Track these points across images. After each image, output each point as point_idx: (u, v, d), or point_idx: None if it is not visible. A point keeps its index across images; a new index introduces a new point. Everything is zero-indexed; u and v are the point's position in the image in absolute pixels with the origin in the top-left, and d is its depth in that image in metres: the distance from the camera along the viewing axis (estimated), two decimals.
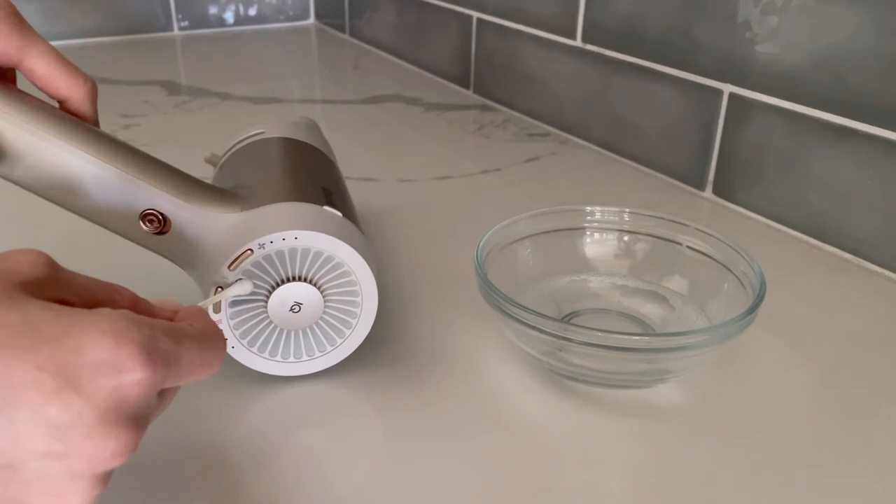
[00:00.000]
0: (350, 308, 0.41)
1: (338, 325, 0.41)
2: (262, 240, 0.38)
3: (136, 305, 0.29)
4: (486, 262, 0.45)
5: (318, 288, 0.39)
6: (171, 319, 0.30)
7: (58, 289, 0.26)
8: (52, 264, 0.27)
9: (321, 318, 0.41)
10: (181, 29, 1.29)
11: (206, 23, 1.31)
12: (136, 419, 0.24)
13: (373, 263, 0.41)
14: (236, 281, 0.38)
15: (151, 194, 0.39)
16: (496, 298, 0.41)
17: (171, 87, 0.99)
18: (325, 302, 0.40)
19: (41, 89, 0.38)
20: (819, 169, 0.58)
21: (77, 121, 0.38)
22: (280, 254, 0.39)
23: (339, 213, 0.41)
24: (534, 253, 0.50)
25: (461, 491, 0.36)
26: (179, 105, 0.92)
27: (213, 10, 1.31)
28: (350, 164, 0.73)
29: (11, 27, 0.35)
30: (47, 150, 0.37)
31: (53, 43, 1.26)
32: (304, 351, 0.42)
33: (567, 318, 0.47)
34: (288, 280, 0.39)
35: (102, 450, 0.23)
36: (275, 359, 0.41)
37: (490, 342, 0.47)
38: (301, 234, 0.38)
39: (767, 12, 0.59)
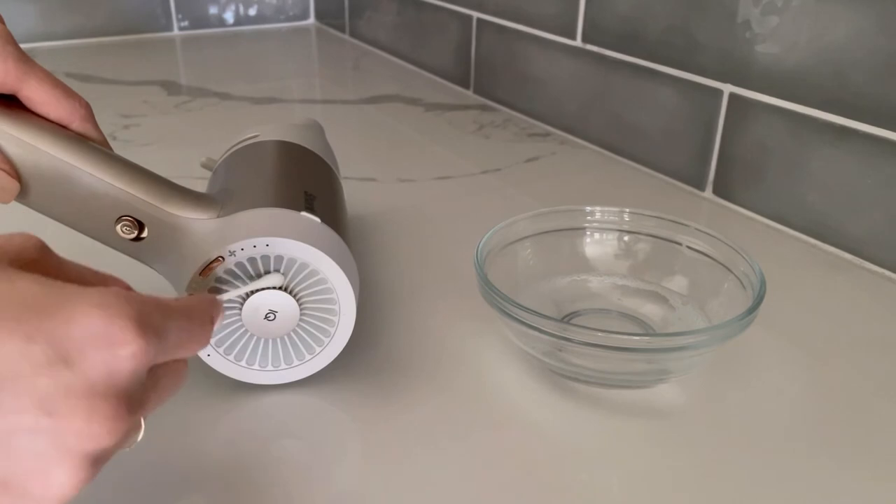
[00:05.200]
0: (327, 316, 0.40)
1: (316, 333, 0.40)
2: (232, 247, 0.37)
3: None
4: (486, 262, 0.45)
5: (294, 296, 0.39)
6: None
7: (48, 271, 0.25)
8: (44, 247, 0.26)
9: (298, 327, 0.40)
10: (181, 29, 1.29)
11: (206, 23, 1.31)
12: (129, 397, 0.24)
13: (350, 271, 0.40)
14: (267, 273, 0.38)
15: (127, 199, 0.38)
16: (496, 298, 0.41)
17: (171, 87, 0.99)
18: (301, 310, 0.39)
19: (41, 115, 0.37)
20: (819, 169, 0.58)
21: (50, 124, 0.37)
22: (252, 261, 0.38)
23: (317, 219, 0.40)
24: (534, 253, 0.50)
25: (460, 491, 0.36)
26: (179, 105, 0.92)
27: (213, 10, 1.31)
28: (350, 164, 0.73)
29: (8, 56, 0.35)
30: (20, 153, 0.36)
31: (53, 43, 1.26)
32: (282, 359, 0.41)
33: (567, 318, 0.47)
34: (261, 288, 0.38)
35: (92, 425, 0.23)
36: (252, 367, 0.41)
37: (490, 342, 0.47)
38: (273, 241, 0.37)
39: (767, 12, 0.59)
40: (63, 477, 0.23)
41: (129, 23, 1.25)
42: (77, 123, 0.38)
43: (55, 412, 0.22)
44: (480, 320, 0.48)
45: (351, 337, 0.41)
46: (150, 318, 0.24)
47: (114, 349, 0.23)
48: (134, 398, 0.24)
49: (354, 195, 0.67)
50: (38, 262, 0.26)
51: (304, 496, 0.36)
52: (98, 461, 0.24)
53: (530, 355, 0.44)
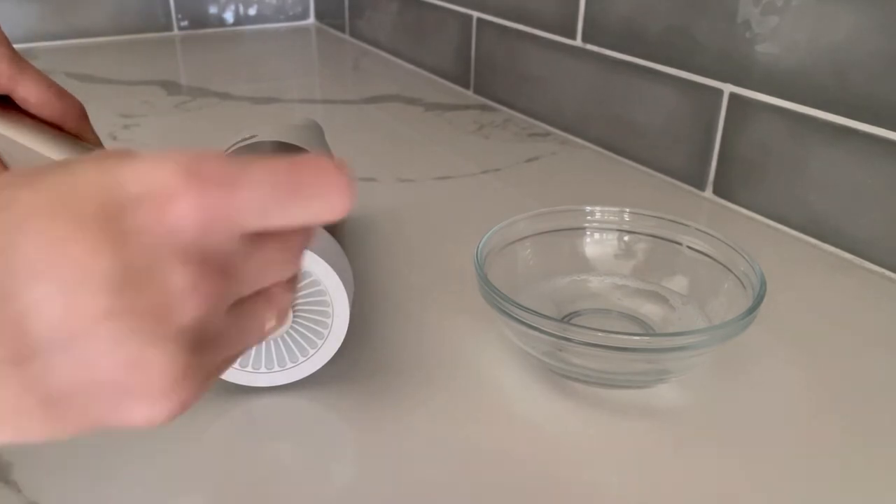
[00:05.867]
0: (320, 318, 0.40)
1: (309, 335, 0.40)
2: None
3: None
4: (486, 262, 0.45)
5: None
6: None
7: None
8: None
9: (291, 329, 0.40)
10: (181, 29, 1.29)
11: (206, 22, 1.31)
12: (203, 258, 0.20)
13: (343, 273, 0.40)
14: None
15: None
16: (496, 298, 0.41)
17: (171, 87, 0.99)
18: (293, 312, 0.39)
19: (36, 115, 0.37)
20: (819, 169, 0.58)
21: (43, 125, 0.37)
22: None
23: None
24: (534, 253, 0.50)
25: (459, 492, 0.36)
26: (179, 105, 0.92)
27: (212, 9, 1.31)
28: (350, 164, 0.72)
29: (2, 57, 0.35)
30: (13, 154, 0.36)
31: (54, 43, 1.26)
32: (275, 362, 0.41)
33: (567, 318, 0.47)
34: None
35: (165, 293, 0.20)
36: (244, 369, 0.40)
37: (490, 342, 0.47)
38: None
39: (767, 12, 0.59)
40: (160, 366, 0.20)
41: (128, 23, 1.24)
42: (71, 124, 0.38)
43: (124, 292, 0.19)
44: (480, 320, 0.48)
45: (347, 338, 0.41)
46: (204, 165, 0.20)
47: (164, 205, 0.20)
48: (210, 259, 0.20)
49: None
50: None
51: (296, 500, 0.36)
52: (197, 342, 0.21)
53: (530, 355, 0.44)
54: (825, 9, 0.55)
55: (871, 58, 0.53)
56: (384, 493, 0.36)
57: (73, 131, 0.38)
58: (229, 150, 0.49)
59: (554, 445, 0.39)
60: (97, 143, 0.39)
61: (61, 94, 0.37)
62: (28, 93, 0.36)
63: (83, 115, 0.38)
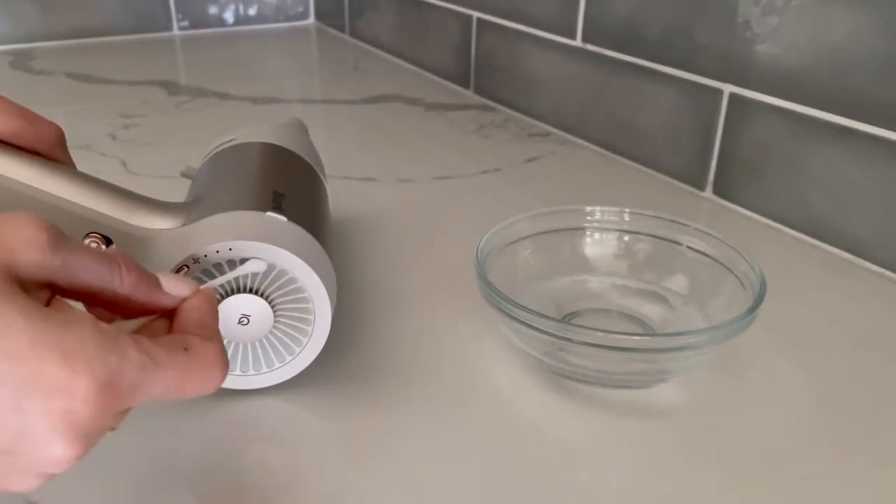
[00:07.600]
0: (302, 315, 0.39)
1: (293, 332, 0.39)
2: (196, 254, 0.36)
3: (136, 291, 0.29)
4: (486, 263, 0.45)
5: (266, 298, 0.38)
6: (172, 315, 0.30)
7: (52, 275, 0.26)
8: (52, 243, 0.26)
9: (274, 329, 0.39)
10: (181, 29, 1.29)
11: (206, 23, 1.31)
12: (87, 436, 0.25)
13: (323, 269, 0.39)
14: (249, 260, 0.36)
15: (91, 216, 0.38)
16: (496, 298, 0.41)
17: (171, 87, 0.99)
18: (274, 313, 0.38)
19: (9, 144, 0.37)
20: (819, 169, 0.58)
21: (12, 148, 0.37)
22: (218, 266, 0.37)
23: (283, 218, 0.39)
24: (534, 253, 0.50)
25: (459, 492, 0.36)
26: (179, 105, 0.92)
27: (212, 9, 1.31)
28: (350, 164, 0.73)
29: None
30: None
31: (53, 43, 1.26)
32: (262, 363, 0.40)
33: (567, 318, 0.47)
34: (232, 292, 0.37)
35: (47, 459, 0.25)
36: (234, 373, 0.40)
37: (490, 342, 0.47)
38: (236, 245, 0.37)
39: (767, 12, 0.59)
40: (19, 488, 0.26)
41: (128, 23, 1.24)
42: (45, 149, 0.37)
43: (17, 448, 0.24)
44: (480, 321, 0.48)
45: (344, 340, 0.41)
46: (120, 378, 0.25)
47: (73, 402, 0.24)
48: (93, 435, 0.26)
49: (354, 195, 0.67)
50: (42, 266, 0.26)
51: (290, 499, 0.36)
52: (53, 474, 0.26)
53: (530, 355, 0.44)
54: (825, 9, 0.55)
55: (870, 58, 0.53)
56: (380, 494, 0.36)
57: (47, 155, 0.38)
58: (210, 155, 0.49)
59: (554, 445, 0.39)
60: (71, 166, 0.39)
61: (34, 121, 0.37)
62: None
63: (57, 141, 0.38)
